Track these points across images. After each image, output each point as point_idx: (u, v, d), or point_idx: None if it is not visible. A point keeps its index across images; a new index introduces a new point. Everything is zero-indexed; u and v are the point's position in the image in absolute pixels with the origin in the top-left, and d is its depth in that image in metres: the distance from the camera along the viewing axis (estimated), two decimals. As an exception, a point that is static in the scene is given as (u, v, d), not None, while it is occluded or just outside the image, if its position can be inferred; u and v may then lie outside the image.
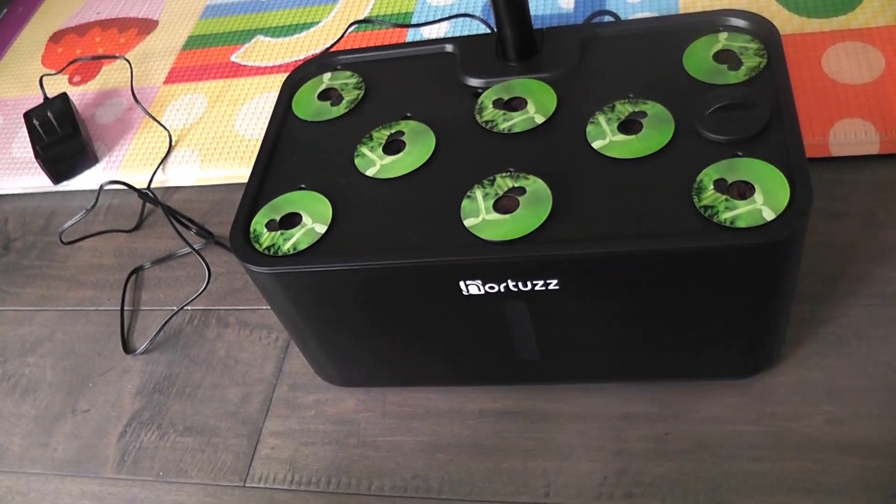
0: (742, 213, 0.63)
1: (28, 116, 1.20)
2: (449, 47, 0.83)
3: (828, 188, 0.91)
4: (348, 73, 0.84)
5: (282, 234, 0.71)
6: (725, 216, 0.63)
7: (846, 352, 0.79)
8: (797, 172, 0.64)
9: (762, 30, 0.76)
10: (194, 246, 1.04)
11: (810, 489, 0.72)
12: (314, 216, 0.72)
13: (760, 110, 0.69)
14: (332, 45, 1.22)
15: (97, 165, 1.19)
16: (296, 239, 0.71)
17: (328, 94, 0.83)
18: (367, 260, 0.68)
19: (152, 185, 1.14)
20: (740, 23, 0.77)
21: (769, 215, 0.62)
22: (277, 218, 0.73)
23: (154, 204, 1.12)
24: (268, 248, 0.71)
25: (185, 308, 1.00)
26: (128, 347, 0.98)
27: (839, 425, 0.75)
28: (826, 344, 0.80)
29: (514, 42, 0.78)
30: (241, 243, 0.72)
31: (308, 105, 0.82)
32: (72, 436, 0.92)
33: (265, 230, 0.72)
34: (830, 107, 0.95)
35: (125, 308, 1.02)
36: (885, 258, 0.85)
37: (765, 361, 0.78)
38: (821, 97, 0.96)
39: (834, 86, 0.97)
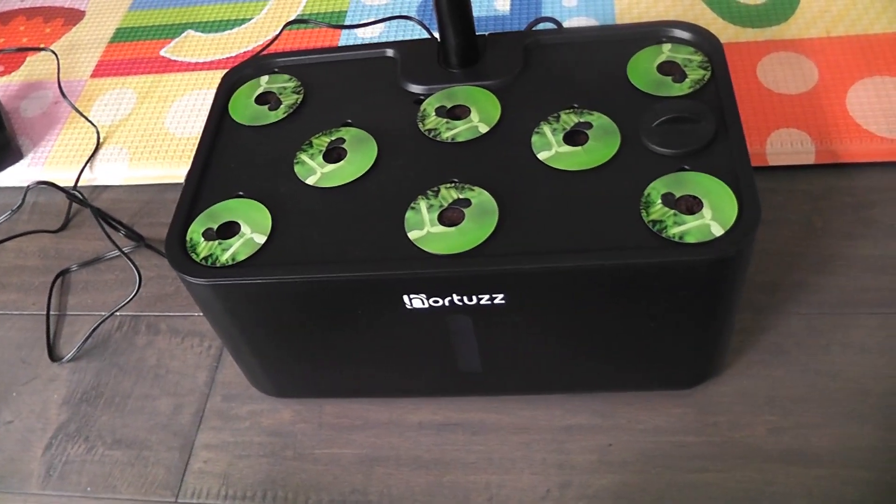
0: (691, 228, 0.62)
1: (-53, 110, 1.16)
2: (389, 52, 0.82)
3: (765, 197, 0.91)
4: (286, 77, 0.82)
5: (220, 243, 0.69)
6: (674, 231, 0.62)
7: (787, 361, 0.80)
8: (744, 187, 0.64)
9: (705, 42, 0.76)
10: (124, 249, 1.01)
11: (754, 499, 0.73)
12: (253, 225, 0.70)
13: (706, 124, 0.68)
14: (267, 45, 1.19)
15: (22, 161, 1.15)
16: (234, 249, 0.68)
17: (266, 98, 0.80)
18: (309, 272, 0.66)
19: (79, 184, 1.10)
20: (684, 34, 0.77)
21: (718, 230, 0.62)
22: (215, 226, 0.70)
23: (82, 205, 1.08)
24: (205, 258, 0.68)
25: (115, 314, 0.97)
26: (54, 355, 0.95)
27: (781, 434, 0.76)
28: (767, 353, 0.81)
29: (457, 48, 0.77)
30: (178, 253, 0.69)
31: (245, 109, 0.80)
32: (-5, 447, 0.89)
33: (202, 239, 0.70)
34: (767, 116, 0.96)
35: (51, 313, 0.99)
36: (823, 267, 0.85)
37: (708, 372, 0.78)
38: (757, 106, 0.97)
39: (770, 95, 0.98)
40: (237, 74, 0.84)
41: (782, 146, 0.93)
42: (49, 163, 1.13)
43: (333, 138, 0.75)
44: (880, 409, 0.76)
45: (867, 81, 0.97)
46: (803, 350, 0.80)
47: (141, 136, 1.13)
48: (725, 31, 1.05)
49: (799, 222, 0.89)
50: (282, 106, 0.79)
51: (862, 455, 0.74)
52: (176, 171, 1.08)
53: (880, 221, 0.88)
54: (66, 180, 1.10)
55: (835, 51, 1.01)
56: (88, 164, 1.11)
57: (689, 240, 0.62)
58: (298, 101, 0.79)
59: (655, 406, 0.79)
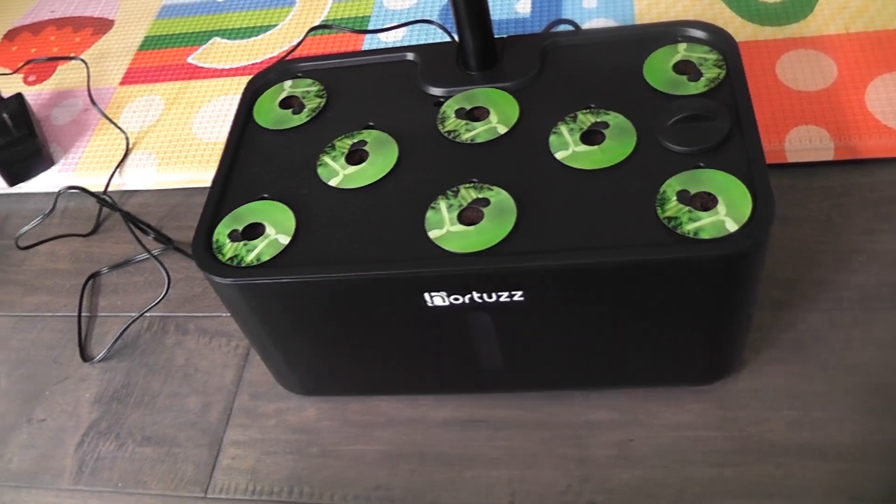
0: (705, 224, 0.63)
1: (-19, 118, 1.18)
2: (410, 55, 0.83)
3: (784, 194, 0.92)
4: (309, 81, 0.84)
5: (245, 244, 0.71)
6: (689, 227, 0.63)
7: (806, 356, 0.80)
8: (758, 183, 0.65)
9: (720, 41, 0.76)
10: (153, 252, 1.03)
11: (773, 493, 0.73)
12: (277, 227, 0.71)
13: (721, 121, 0.69)
14: (291, 51, 1.21)
15: (53, 167, 1.17)
16: (259, 250, 0.70)
17: (289, 102, 0.82)
18: (332, 272, 0.67)
19: (109, 189, 1.12)
20: (699, 34, 0.78)
21: (732, 226, 0.63)
22: (240, 228, 0.72)
23: (111, 209, 1.11)
24: (231, 258, 0.70)
25: (144, 315, 0.99)
26: (85, 355, 0.97)
27: (800, 429, 0.76)
28: (786, 349, 0.81)
29: (476, 51, 0.78)
30: (204, 254, 0.71)
31: (269, 113, 0.82)
32: (27, 446, 0.91)
33: (227, 240, 0.71)
34: (786, 114, 0.96)
35: (82, 314, 1.01)
36: (843, 263, 0.86)
37: (727, 368, 0.79)
38: (776, 104, 0.97)
39: (789, 93, 0.98)
40: (262, 80, 0.86)
41: (801, 143, 0.94)
42: (79, 169, 1.15)
43: (355, 140, 0.76)
44: (900, 404, 0.77)
45: (886, 77, 0.98)
46: (822, 346, 0.81)
47: (169, 141, 1.15)
48: (744, 30, 1.06)
49: (818, 219, 0.90)
50: (305, 110, 0.81)
51: (881, 449, 0.74)
52: (203, 175, 1.10)
53: (900, 217, 0.88)
54: (96, 185, 1.13)
55: (853, 47, 1.01)
56: (118, 170, 1.13)
57: (704, 236, 0.63)
58: (321, 105, 0.81)
59: (674, 402, 0.80)
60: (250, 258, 0.70)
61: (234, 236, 0.72)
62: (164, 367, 0.94)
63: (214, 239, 0.72)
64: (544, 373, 0.78)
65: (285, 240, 0.70)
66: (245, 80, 1.20)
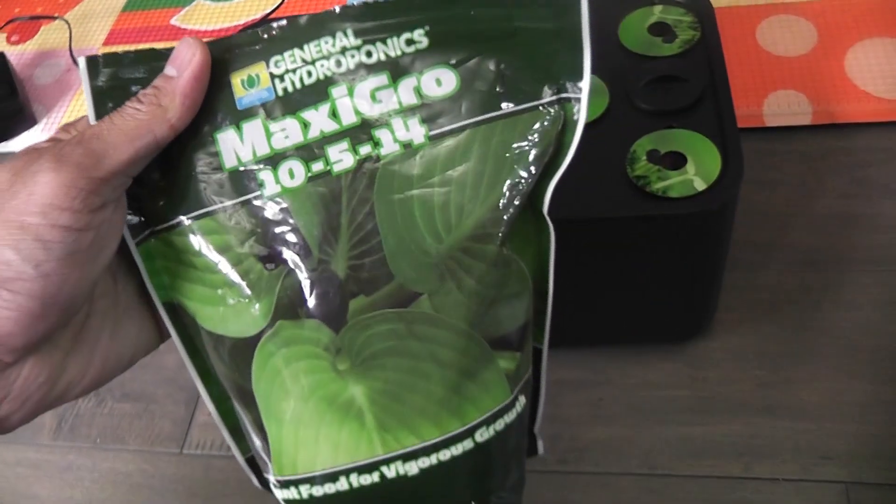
0: (674, 183, 0.64)
1: (-37, 77, 1.18)
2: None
3: (761, 158, 0.92)
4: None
5: None
6: (658, 186, 0.64)
7: (778, 318, 0.81)
8: (729, 144, 0.65)
9: (696, 3, 0.76)
10: (133, 211, 1.03)
11: (741, 452, 0.74)
12: None
13: (694, 83, 0.70)
14: (272, 11, 1.21)
15: (35, 127, 1.17)
16: None
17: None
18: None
19: (90, 150, 1.12)
20: (676, -5, 0.78)
21: (700, 185, 0.63)
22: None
23: (92, 168, 1.11)
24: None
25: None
26: (65, 313, 0.98)
27: (770, 389, 0.77)
28: (758, 310, 0.82)
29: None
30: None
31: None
32: (8, 402, 0.91)
33: None
34: (765, 78, 0.97)
35: (63, 273, 1.01)
36: (818, 226, 0.86)
37: (698, 328, 0.79)
38: (755, 68, 0.98)
39: (769, 57, 0.99)
40: (240, 38, 0.86)
41: (779, 107, 0.94)
42: (62, 128, 1.15)
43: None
44: (870, 364, 0.77)
45: (866, 43, 0.98)
46: (795, 307, 0.82)
47: (151, 101, 1.15)
48: (727, -5, 1.06)
49: (794, 182, 0.90)
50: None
51: (850, 409, 0.75)
52: (185, 135, 1.10)
53: (875, 181, 0.89)
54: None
55: (835, 13, 1.01)
56: (100, 130, 1.13)
57: (673, 194, 0.63)
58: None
59: (646, 361, 0.80)
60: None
61: None
62: (144, 325, 0.94)
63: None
64: (517, 332, 0.78)
65: None
66: (228, 41, 1.20)
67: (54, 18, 1.33)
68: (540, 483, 0.76)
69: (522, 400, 0.50)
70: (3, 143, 1.16)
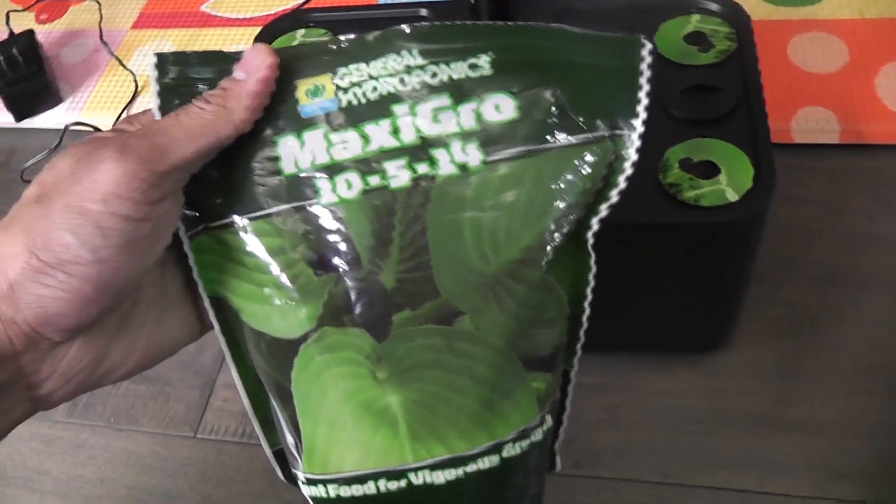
0: (706, 192, 0.64)
1: (-9, 52, 1.18)
2: (423, 11, 0.83)
3: (787, 173, 0.92)
4: (321, 32, 0.84)
5: None
6: (690, 194, 0.64)
7: (797, 334, 0.81)
8: (762, 156, 0.65)
9: (734, 14, 0.77)
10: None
11: (755, 465, 0.74)
12: None
13: (728, 93, 0.70)
14: (304, 2, 1.21)
15: (60, 105, 1.17)
16: None
17: (300, 51, 0.82)
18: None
19: (115, 130, 1.13)
20: (713, 6, 0.78)
21: (732, 196, 0.64)
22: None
23: (117, 149, 1.11)
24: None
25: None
26: (84, 292, 0.98)
27: (787, 404, 0.77)
28: (779, 325, 0.82)
29: (489, 10, 0.78)
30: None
31: (280, 60, 0.82)
32: (23, 377, 0.91)
33: None
34: (795, 94, 0.96)
35: (83, 252, 1.02)
36: (841, 244, 0.86)
37: (719, 339, 0.79)
38: (786, 84, 0.98)
39: (799, 73, 0.98)
40: (274, 27, 0.86)
41: (808, 124, 0.94)
42: (87, 108, 1.15)
43: (364, 91, 0.77)
44: (887, 385, 0.77)
45: (897, 64, 0.98)
46: (815, 324, 0.82)
47: (178, 86, 1.15)
48: (759, 9, 1.06)
49: (819, 199, 0.90)
50: (315, 59, 0.81)
51: (866, 428, 0.75)
52: (210, 121, 1.10)
53: (900, 202, 0.89)
54: (103, 125, 1.13)
55: (866, 32, 1.01)
56: (126, 111, 1.13)
57: (704, 203, 0.63)
58: (332, 55, 0.81)
59: (665, 370, 0.80)
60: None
61: None
62: (162, 308, 0.94)
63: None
64: (537, 333, 0.78)
65: None
66: (257, 31, 1.20)
67: (84, -1, 1.33)
68: (553, 486, 0.75)
69: (549, 420, 0.51)
70: (28, 120, 1.17)
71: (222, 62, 0.49)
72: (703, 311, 0.74)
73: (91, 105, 1.15)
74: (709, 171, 0.65)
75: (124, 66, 1.19)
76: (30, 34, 1.20)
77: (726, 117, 0.69)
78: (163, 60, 0.49)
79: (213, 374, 0.87)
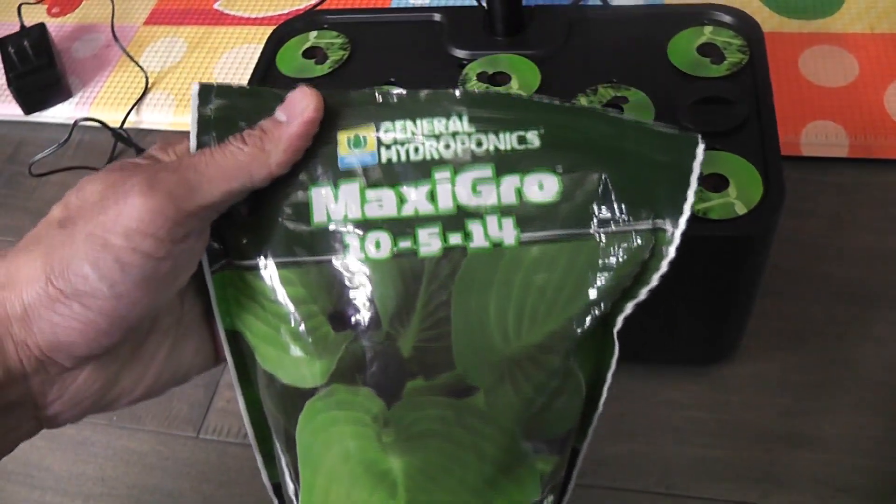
0: (715, 205, 0.64)
1: (3, 43, 1.18)
2: (437, 16, 0.83)
3: (796, 187, 0.92)
4: (335, 33, 0.84)
5: None
6: (698, 207, 0.64)
7: (803, 348, 0.81)
8: (771, 170, 0.65)
9: (746, 27, 0.77)
10: (164, 192, 1.03)
11: (759, 478, 0.74)
12: None
13: (740, 106, 0.70)
14: (318, 3, 1.21)
15: (70, 99, 1.17)
16: None
17: (313, 53, 0.82)
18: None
19: (125, 125, 1.13)
20: (725, 18, 0.78)
21: (741, 209, 0.64)
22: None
23: (127, 144, 1.11)
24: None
25: (151, 253, 0.99)
26: (90, 288, 0.98)
27: (791, 418, 0.77)
28: (784, 338, 0.82)
29: (503, 17, 0.78)
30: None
31: (292, 61, 0.82)
32: (28, 372, 0.92)
33: None
34: (805, 107, 0.96)
35: (89, 248, 1.02)
36: (848, 259, 0.86)
37: (725, 352, 0.79)
38: (796, 97, 0.98)
39: (809, 87, 0.98)
40: (287, 28, 0.86)
41: (817, 138, 0.94)
42: (97, 103, 1.15)
43: (375, 95, 0.77)
44: (892, 401, 0.77)
45: (908, 80, 0.98)
46: (820, 338, 0.82)
47: (189, 84, 1.15)
48: (770, 21, 1.06)
49: (827, 214, 0.90)
50: (328, 61, 0.81)
51: (870, 444, 0.75)
52: (220, 120, 1.10)
53: (909, 218, 0.89)
54: (112, 121, 1.13)
55: (877, 48, 1.01)
56: (135, 108, 1.13)
57: (713, 216, 0.63)
58: (344, 57, 0.81)
59: (671, 381, 0.80)
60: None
61: None
62: (167, 306, 0.94)
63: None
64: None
65: None
66: (271, 30, 1.20)
67: (96, -6, 1.33)
68: (554, 494, 0.76)
69: (550, 498, 0.51)
70: (38, 114, 1.17)
71: (267, 98, 0.48)
72: (709, 323, 0.74)
73: (101, 100, 1.16)
74: (718, 183, 0.65)
75: (135, 62, 1.19)
76: (41, 27, 1.20)
77: (737, 130, 0.69)
78: (206, 90, 0.48)
79: (217, 375, 0.87)
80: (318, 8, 1.18)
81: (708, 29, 0.77)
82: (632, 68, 0.75)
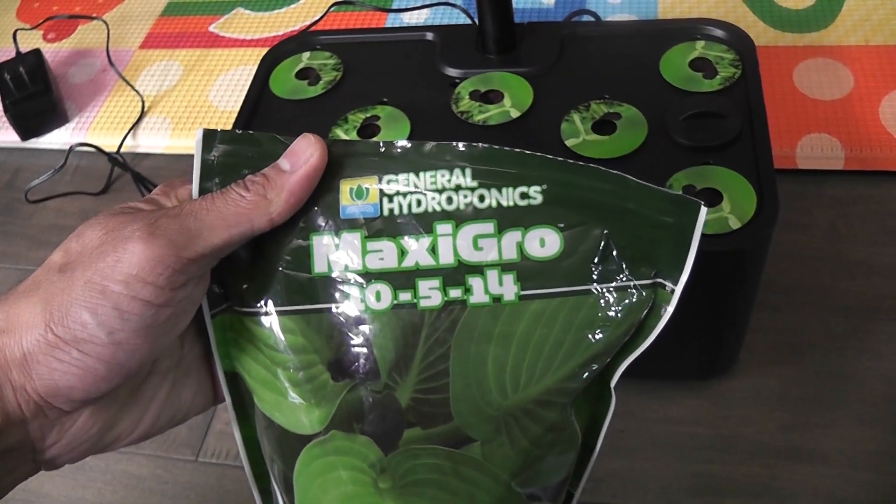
0: (709, 220, 0.64)
1: (-1, 70, 1.19)
2: (429, 35, 0.84)
3: (792, 200, 0.92)
4: (327, 54, 0.84)
5: None
6: (692, 222, 0.64)
7: (801, 361, 0.81)
8: (765, 184, 0.65)
9: (738, 41, 0.77)
10: (161, 215, 1.03)
11: (759, 493, 0.74)
12: None
13: (732, 120, 0.70)
14: (312, 24, 1.22)
15: (67, 125, 1.18)
16: None
17: (306, 74, 0.82)
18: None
19: (121, 150, 1.13)
20: (718, 32, 0.78)
21: (735, 224, 0.63)
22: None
23: (123, 169, 1.11)
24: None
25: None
26: (87, 312, 0.98)
27: (790, 432, 0.77)
28: (782, 353, 0.82)
29: (495, 35, 0.79)
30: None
31: (285, 82, 0.82)
32: (26, 397, 0.91)
33: None
34: (799, 120, 0.97)
35: (87, 272, 1.02)
36: (845, 272, 0.86)
37: (722, 366, 0.79)
38: (790, 110, 0.98)
39: (804, 100, 0.99)
40: (280, 49, 0.86)
41: (812, 150, 0.94)
42: (93, 128, 1.16)
43: (368, 115, 0.77)
44: (891, 414, 0.77)
45: (902, 92, 0.98)
46: (818, 352, 0.81)
47: (185, 107, 1.16)
48: (765, 35, 1.06)
49: (823, 227, 0.90)
50: (321, 82, 0.81)
51: (869, 458, 0.75)
52: (216, 142, 1.10)
53: (905, 230, 0.89)
54: (109, 146, 1.13)
55: (871, 60, 1.02)
56: (132, 132, 1.14)
57: (707, 231, 0.63)
58: (337, 78, 0.81)
59: (669, 397, 0.80)
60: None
61: None
62: (165, 328, 0.94)
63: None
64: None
65: None
66: (264, 52, 1.20)
67: (92, 18, 1.34)
68: (554, 512, 0.76)
69: None
70: (34, 140, 1.17)
71: (271, 145, 0.48)
72: (706, 338, 0.74)
73: (97, 125, 1.16)
74: (711, 198, 0.65)
75: (131, 86, 1.20)
76: (37, 53, 1.21)
77: (730, 144, 0.69)
78: (209, 136, 0.49)
79: (215, 396, 0.87)
80: (311, 29, 1.18)
81: (700, 44, 0.77)
82: (624, 84, 0.75)
